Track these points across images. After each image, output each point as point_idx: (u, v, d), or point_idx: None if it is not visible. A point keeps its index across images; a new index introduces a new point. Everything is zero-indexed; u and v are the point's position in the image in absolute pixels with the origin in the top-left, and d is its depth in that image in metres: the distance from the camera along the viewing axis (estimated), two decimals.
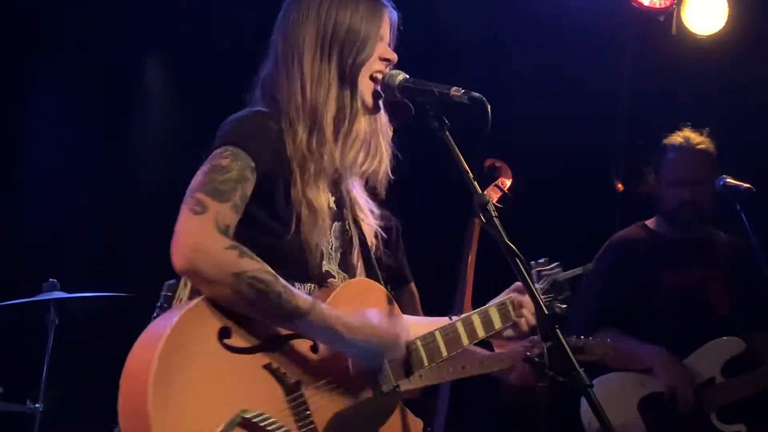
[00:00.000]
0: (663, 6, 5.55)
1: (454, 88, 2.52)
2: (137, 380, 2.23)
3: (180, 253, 2.33)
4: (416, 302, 3.74)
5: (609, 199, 5.81)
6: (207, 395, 2.28)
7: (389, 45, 2.69)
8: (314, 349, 2.49)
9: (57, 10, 5.62)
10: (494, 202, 4.42)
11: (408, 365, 2.64)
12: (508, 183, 4.60)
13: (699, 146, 4.56)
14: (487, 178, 4.61)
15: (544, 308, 2.30)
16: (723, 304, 4.51)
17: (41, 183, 5.62)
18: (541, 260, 3.05)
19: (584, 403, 4.36)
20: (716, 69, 5.50)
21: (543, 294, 2.96)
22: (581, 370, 2.23)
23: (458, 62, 5.60)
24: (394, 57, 2.67)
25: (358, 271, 2.75)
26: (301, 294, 2.43)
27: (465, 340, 2.78)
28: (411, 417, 2.71)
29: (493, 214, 2.39)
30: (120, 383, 2.29)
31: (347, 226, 2.72)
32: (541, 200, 5.51)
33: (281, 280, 2.39)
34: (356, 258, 2.74)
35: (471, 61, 5.68)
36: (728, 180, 4.41)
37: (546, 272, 3.02)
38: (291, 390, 2.41)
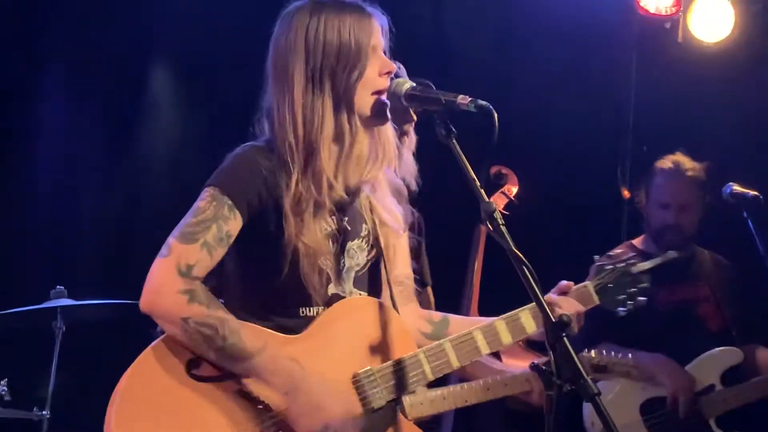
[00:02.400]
0: (669, 14, 5.55)
1: (461, 96, 2.51)
2: (107, 415, 2.39)
3: (143, 295, 2.46)
4: (431, 307, 3.73)
5: (615, 206, 5.80)
6: (174, 424, 2.38)
7: (385, 52, 2.65)
8: None
9: (63, 17, 5.63)
10: (500, 209, 4.42)
11: (402, 382, 2.61)
12: (514, 190, 4.61)
13: (688, 173, 4.59)
14: (494, 185, 4.62)
15: (551, 316, 2.30)
16: (714, 319, 4.56)
17: (48, 190, 5.62)
18: (611, 253, 3.00)
19: (587, 406, 4.38)
20: (722, 76, 5.49)
21: (601, 288, 2.89)
22: (588, 378, 2.23)
23: (464, 71, 5.61)
24: (393, 67, 2.64)
25: (380, 288, 2.74)
26: (252, 338, 2.46)
27: (485, 349, 2.71)
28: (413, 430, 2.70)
29: (500, 222, 2.39)
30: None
31: (364, 244, 2.70)
32: (548, 207, 5.50)
33: (230, 324, 2.44)
34: (375, 274, 2.73)
35: (477, 69, 5.68)
36: (735, 188, 4.41)
37: (610, 266, 2.94)
38: (260, 413, 2.46)
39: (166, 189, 5.54)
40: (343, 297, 2.64)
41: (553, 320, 2.27)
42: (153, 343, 2.45)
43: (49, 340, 4.61)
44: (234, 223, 2.49)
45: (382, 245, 2.72)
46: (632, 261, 2.97)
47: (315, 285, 2.56)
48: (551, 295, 2.83)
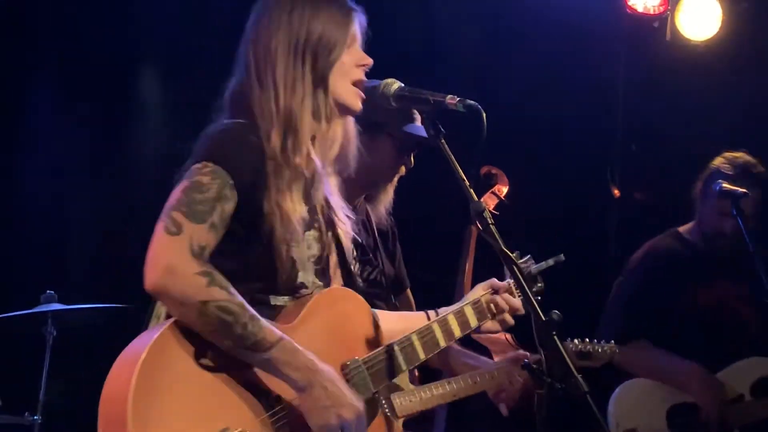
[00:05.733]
0: (657, 12, 5.57)
1: (450, 96, 2.52)
2: (116, 403, 2.26)
3: (152, 273, 2.34)
4: (412, 309, 3.73)
5: (605, 205, 5.81)
6: (188, 415, 2.30)
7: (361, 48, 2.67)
8: None
9: (50, 22, 5.62)
10: (491, 209, 4.42)
11: (383, 373, 2.61)
12: (504, 190, 4.61)
13: (755, 177, 4.42)
14: (484, 185, 4.61)
15: (540, 314, 2.30)
16: (753, 320, 4.47)
17: (38, 195, 5.61)
18: (513, 254, 3.02)
19: (612, 404, 4.40)
20: (711, 74, 5.51)
21: (517, 288, 2.91)
22: (579, 377, 2.23)
23: (453, 70, 5.61)
24: (370, 61, 2.65)
25: (335, 280, 2.72)
26: (270, 328, 2.40)
27: (442, 342, 2.76)
28: (392, 424, 2.71)
29: (489, 221, 2.39)
30: (99, 407, 2.32)
31: (323, 234, 2.68)
32: (537, 207, 5.51)
33: (250, 311, 2.38)
34: (333, 267, 2.72)
35: (466, 69, 5.68)
36: (724, 185, 4.39)
37: (524, 265, 3.01)
38: (271, 404, 2.43)
39: (155, 193, 5.49)
40: (307, 286, 2.61)
41: (543, 319, 2.28)
42: (161, 330, 2.34)
43: (39, 344, 4.60)
44: (231, 205, 2.45)
45: (341, 239, 2.72)
46: (531, 262, 3.04)
47: (285, 262, 2.52)
48: (484, 294, 2.89)
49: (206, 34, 5.59)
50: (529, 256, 3.04)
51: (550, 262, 3.04)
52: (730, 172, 4.44)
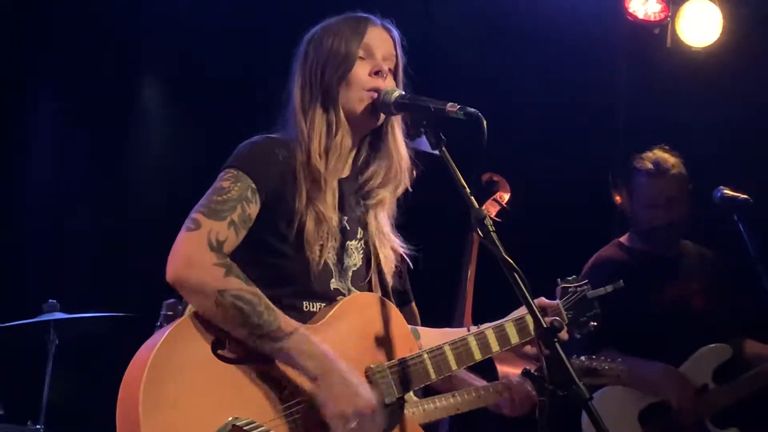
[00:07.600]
0: (658, 19, 5.57)
1: (450, 103, 2.53)
2: (130, 388, 2.34)
3: (172, 265, 2.43)
4: (417, 322, 3.73)
5: (606, 212, 5.80)
6: (199, 403, 2.36)
7: (386, 59, 2.72)
8: None
9: (53, 29, 5.63)
10: (493, 216, 4.43)
11: (409, 379, 2.64)
12: (506, 197, 4.61)
13: (671, 170, 4.57)
14: (486, 192, 4.61)
15: (542, 322, 2.30)
16: (708, 313, 4.54)
17: (40, 203, 5.62)
18: (570, 278, 3.06)
19: (584, 415, 4.37)
20: (711, 81, 5.51)
21: (566, 310, 2.98)
22: (581, 384, 2.23)
23: (454, 78, 5.61)
24: (383, 68, 2.70)
25: (374, 291, 2.77)
26: (286, 318, 2.46)
27: (477, 354, 2.77)
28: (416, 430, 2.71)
29: (491, 229, 2.40)
30: (118, 394, 2.38)
31: (364, 246, 2.76)
32: (539, 214, 5.51)
33: (266, 300, 2.45)
34: (373, 278, 2.78)
35: (467, 76, 5.69)
36: (726, 191, 4.41)
37: (572, 289, 3.03)
38: (286, 398, 2.46)
39: (157, 201, 5.54)
40: (344, 293, 2.68)
41: (545, 326, 2.28)
42: (180, 320, 2.43)
43: (42, 353, 4.61)
44: (255, 208, 2.55)
45: (378, 250, 2.77)
46: (588, 287, 3.05)
47: (316, 264, 2.59)
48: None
49: (208, 44, 5.60)
50: (586, 281, 3.06)
51: (609, 288, 3.07)
52: (648, 167, 4.57)
